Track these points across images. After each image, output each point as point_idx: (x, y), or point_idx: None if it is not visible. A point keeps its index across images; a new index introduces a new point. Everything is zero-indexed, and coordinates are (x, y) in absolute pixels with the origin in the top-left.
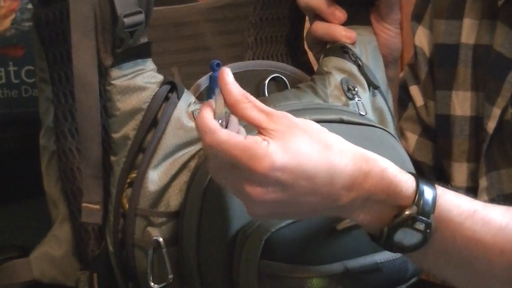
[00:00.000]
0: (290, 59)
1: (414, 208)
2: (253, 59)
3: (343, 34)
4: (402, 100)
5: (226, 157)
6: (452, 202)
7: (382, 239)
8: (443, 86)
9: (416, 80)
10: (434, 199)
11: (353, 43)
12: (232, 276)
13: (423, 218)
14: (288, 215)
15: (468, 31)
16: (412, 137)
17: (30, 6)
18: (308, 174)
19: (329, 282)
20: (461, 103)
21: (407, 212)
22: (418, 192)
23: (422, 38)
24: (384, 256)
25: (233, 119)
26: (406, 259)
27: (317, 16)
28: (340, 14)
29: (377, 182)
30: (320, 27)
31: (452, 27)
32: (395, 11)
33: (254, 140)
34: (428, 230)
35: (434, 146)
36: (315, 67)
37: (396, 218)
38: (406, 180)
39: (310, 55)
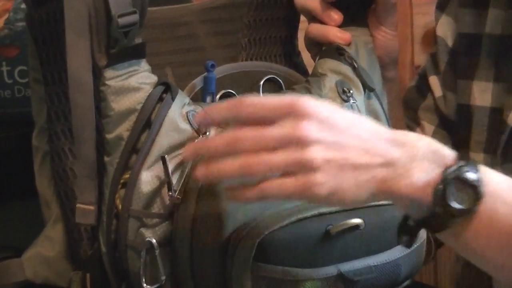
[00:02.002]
0: (284, 60)
1: (463, 162)
2: (247, 60)
3: (338, 35)
4: (421, 89)
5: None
6: (498, 175)
7: (436, 200)
8: (464, 75)
9: (436, 70)
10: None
11: (348, 45)
12: (226, 278)
13: (474, 167)
14: (347, 185)
15: (493, 22)
16: (429, 128)
17: (23, 6)
18: (354, 122)
19: (323, 285)
20: (481, 94)
21: (457, 163)
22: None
23: (445, 27)
24: (378, 259)
25: None
26: (399, 262)
27: (315, 18)
28: (336, 16)
29: (427, 143)
30: (315, 29)
31: (477, 17)
32: (392, 14)
33: None
34: (479, 185)
35: (451, 137)
36: (310, 68)
37: (449, 169)
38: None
39: (305, 56)
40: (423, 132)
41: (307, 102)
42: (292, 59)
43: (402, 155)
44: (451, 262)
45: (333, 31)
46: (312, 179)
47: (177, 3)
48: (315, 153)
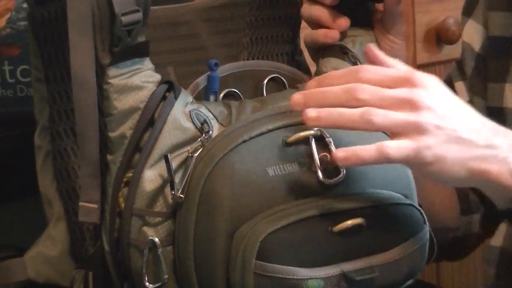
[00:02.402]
0: (286, 59)
1: None
2: (248, 59)
3: (326, 34)
4: None
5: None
6: None
7: None
8: (496, 78)
9: (462, 76)
10: None
11: (337, 40)
12: (229, 278)
13: None
14: (450, 157)
15: None
16: None
17: (25, 5)
18: (462, 104)
19: (325, 285)
20: None
21: None
22: None
23: (471, 32)
24: (380, 258)
25: None
26: (402, 261)
27: (321, 26)
28: (343, 21)
29: None
30: (307, 35)
31: (509, 19)
32: (399, 22)
33: None
34: None
35: None
36: (312, 67)
37: None
38: None
39: (307, 55)
40: None
41: (423, 75)
42: (294, 57)
43: (504, 143)
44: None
45: (321, 32)
46: (423, 141)
47: (178, 2)
48: (428, 118)
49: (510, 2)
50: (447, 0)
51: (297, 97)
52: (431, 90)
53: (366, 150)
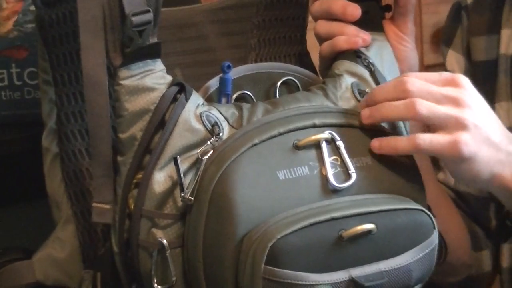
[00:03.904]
0: (293, 60)
1: None
2: (256, 60)
3: (347, 41)
4: None
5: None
6: None
7: None
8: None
9: None
10: None
11: (361, 47)
12: (238, 282)
13: None
14: (481, 156)
15: (507, 41)
16: None
17: (33, 7)
18: (493, 115)
19: None
20: (507, 114)
21: None
22: None
23: (453, 62)
24: (389, 264)
25: None
26: (411, 267)
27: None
28: (365, 36)
29: None
30: (326, 45)
31: (491, 42)
32: (410, 20)
33: None
34: None
35: None
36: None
37: None
38: None
39: (313, 56)
40: None
41: (464, 78)
42: (301, 58)
43: None
44: None
45: (342, 39)
46: (462, 136)
47: (185, 4)
48: (469, 115)
49: (490, 26)
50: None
51: (363, 113)
52: (471, 91)
53: (399, 140)
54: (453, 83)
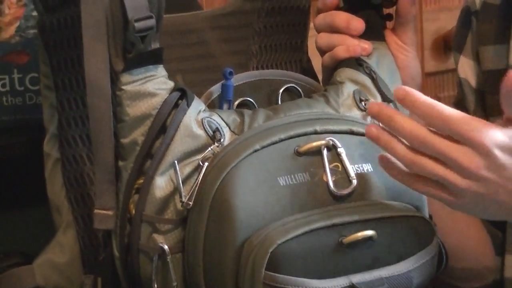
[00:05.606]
0: (294, 67)
1: None
2: (257, 67)
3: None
4: None
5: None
6: None
7: None
8: (495, 113)
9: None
10: None
11: (363, 55)
12: (239, 287)
13: None
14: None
15: None
16: None
17: (34, 13)
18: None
19: None
20: None
21: None
22: None
23: (466, 68)
24: (390, 271)
25: None
26: (411, 274)
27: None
28: (366, 46)
29: None
30: (328, 56)
31: (501, 52)
32: (411, 29)
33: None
34: None
35: None
36: (319, 74)
37: None
38: None
39: (315, 62)
40: None
41: (490, 141)
42: (302, 65)
43: None
44: None
45: (342, 48)
46: (458, 200)
47: (187, 10)
48: (471, 187)
49: (498, 35)
50: (455, 8)
51: (374, 105)
52: (492, 158)
53: (401, 173)
54: (473, 144)
